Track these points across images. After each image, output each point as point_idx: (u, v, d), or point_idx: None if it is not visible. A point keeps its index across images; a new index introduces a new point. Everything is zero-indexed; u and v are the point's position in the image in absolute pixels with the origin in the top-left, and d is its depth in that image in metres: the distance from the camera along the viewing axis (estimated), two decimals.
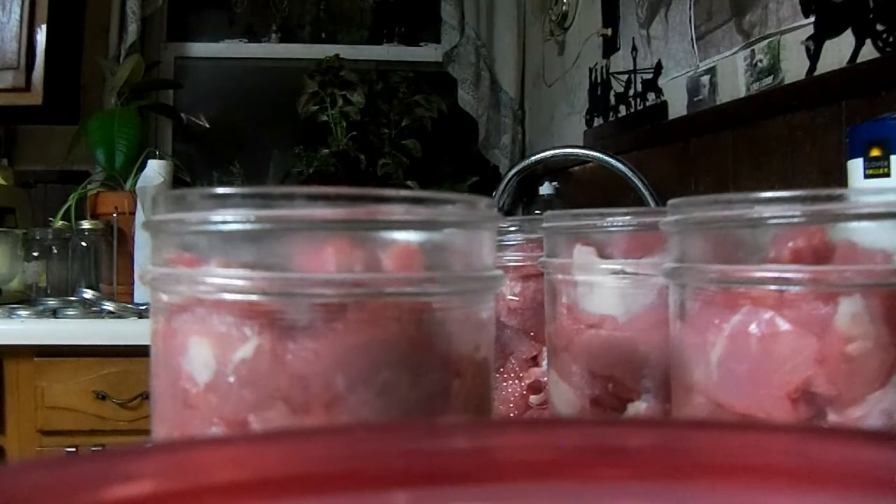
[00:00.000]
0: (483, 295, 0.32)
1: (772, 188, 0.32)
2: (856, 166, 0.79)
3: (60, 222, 1.98)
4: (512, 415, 0.58)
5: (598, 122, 2.09)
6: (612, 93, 1.99)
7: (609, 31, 1.99)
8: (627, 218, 0.46)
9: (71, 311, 1.70)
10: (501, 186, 1.45)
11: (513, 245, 0.58)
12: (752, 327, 0.32)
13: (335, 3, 2.75)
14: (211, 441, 0.20)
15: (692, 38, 1.59)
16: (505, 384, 0.58)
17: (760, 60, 1.37)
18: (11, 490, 0.15)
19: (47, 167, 2.42)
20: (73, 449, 1.58)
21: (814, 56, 1.23)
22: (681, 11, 1.64)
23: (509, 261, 0.58)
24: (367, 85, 2.54)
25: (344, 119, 2.47)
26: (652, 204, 1.29)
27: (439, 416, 0.29)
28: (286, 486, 0.16)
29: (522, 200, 2.37)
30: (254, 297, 0.27)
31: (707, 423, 0.25)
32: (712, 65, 1.52)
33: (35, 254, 1.94)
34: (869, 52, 1.12)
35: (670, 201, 0.36)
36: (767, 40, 1.35)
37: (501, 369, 0.58)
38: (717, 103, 1.50)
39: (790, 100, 1.28)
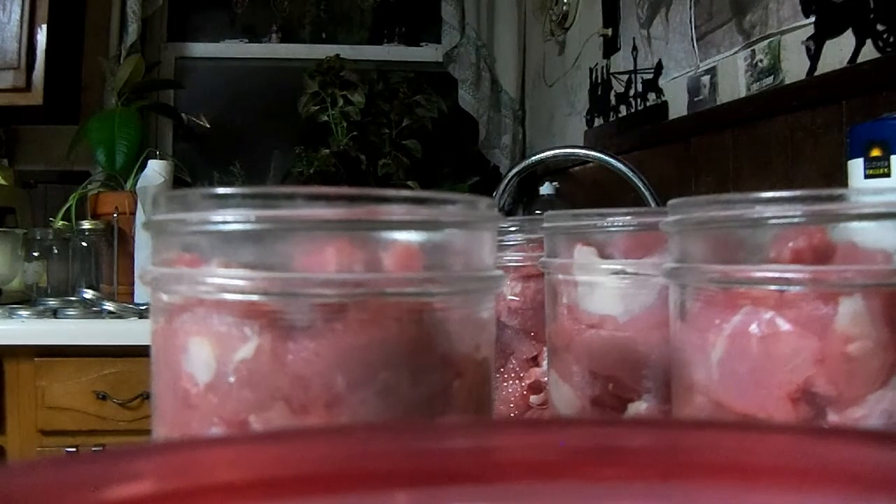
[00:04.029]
0: (483, 295, 0.32)
1: (772, 188, 0.32)
2: (856, 166, 0.79)
3: (61, 222, 1.98)
4: (512, 415, 0.58)
5: (598, 122, 2.09)
6: (612, 93, 1.99)
7: (609, 31, 1.99)
8: (628, 218, 0.46)
9: (71, 311, 1.70)
10: (502, 186, 1.45)
11: (513, 245, 0.58)
12: (753, 327, 0.32)
13: (335, 3, 2.75)
14: (211, 441, 0.20)
15: (692, 38, 1.59)
16: (505, 384, 0.58)
17: (761, 60, 1.37)
18: (11, 490, 0.15)
19: (48, 167, 2.42)
20: (74, 449, 1.58)
21: (814, 56, 1.23)
22: (681, 11, 1.64)
23: (510, 261, 0.58)
24: (368, 85, 2.54)
25: (344, 119, 2.47)
26: (652, 204, 1.29)
27: (440, 416, 0.29)
28: (286, 486, 0.16)
29: (523, 200, 2.37)
30: (254, 298, 0.27)
31: (707, 423, 0.25)
32: (713, 65, 1.52)
33: (35, 254, 1.94)
34: (869, 52, 1.12)
35: (670, 201, 0.36)
36: (768, 40, 1.35)
37: (502, 369, 0.58)
38: (718, 103, 1.50)
39: (790, 100, 1.27)
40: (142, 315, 1.66)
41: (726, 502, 0.16)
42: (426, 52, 2.75)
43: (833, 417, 0.31)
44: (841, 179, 0.86)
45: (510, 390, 0.58)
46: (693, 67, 1.59)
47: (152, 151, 2.11)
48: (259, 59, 2.71)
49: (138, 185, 1.86)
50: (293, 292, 0.27)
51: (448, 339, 0.30)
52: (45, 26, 2.14)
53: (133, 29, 2.41)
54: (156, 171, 1.85)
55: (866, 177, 0.78)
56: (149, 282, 0.30)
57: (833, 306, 0.31)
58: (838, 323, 0.31)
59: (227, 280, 0.27)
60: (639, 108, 1.85)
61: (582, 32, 2.17)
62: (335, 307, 0.27)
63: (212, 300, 0.28)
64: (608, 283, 0.46)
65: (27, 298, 1.90)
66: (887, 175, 0.76)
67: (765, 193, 0.32)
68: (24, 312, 1.68)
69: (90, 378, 1.62)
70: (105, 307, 1.70)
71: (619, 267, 0.45)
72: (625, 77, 1.91)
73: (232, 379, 0.27)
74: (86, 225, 1.94)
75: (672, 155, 1.65)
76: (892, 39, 1.08)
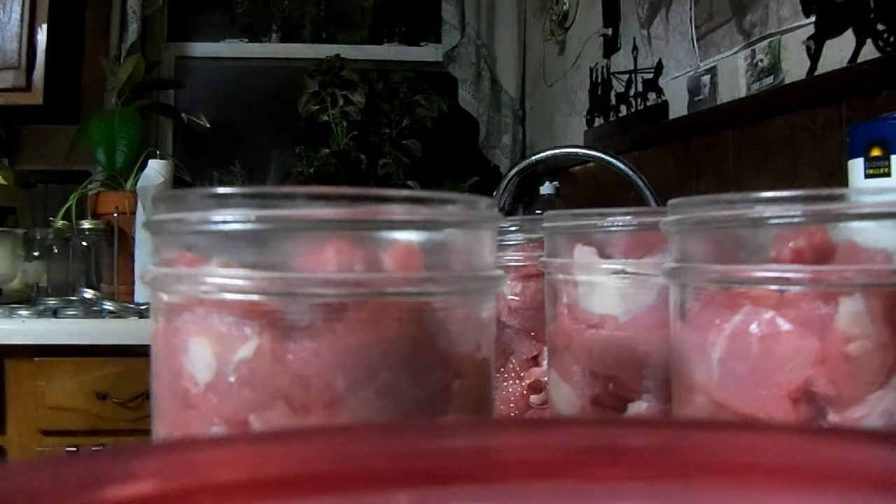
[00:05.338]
0: (484, 295, 0.32)
1: (772, 188, 0.32)
2: (856, 166, 0.79)
3: (61, 222, 1.98)
4: (512, 415, 0.58)
5: (598, 121, 2.09)
6: (612, 92, 1.99)
7: (610, 31, 1.99)
8: (628, 218, 0.46)
9: (71, 311, 1.70)
10: (502, 186, 1.45)
11: (513, 245, 0.58)
12: (753, 327, 0.32)
13: (336, 3, 2.75)
14: (211, 441, 0.20)
15: (693, 38, 1.59)
16: (505, 384, 0.58)
17: (761, 60, 1.37)
18: (11, 490, 0.15)
19: (48, 167, 2.42)
20: (74, 449, 1.58)
21: (814, 56, 1.23)
22: (681, 11, 1.64)
23: (510, 261, 0.58)
24: (368, 85, 2.53)
25: (344, 119, 2.47)
26: (652, 204, 1.29)
27: (440, 416, 0.29)
28: (286, 486, 0.16)
29: (523, 200, 2.37)
30: (254, 297, 0.27)
31: (707, 423, 0.25)
32: (713, 65, 1.52)
33: (35, 253, 1.94)
34: (869, 51, 1.12)
35: (670, 201, 0.36)
36: (768, 40, 1.35)
37: (502, 369, 0.58)
38: (718, 103, 1.50)
39: (791, 100, 1.27)
40: (142, 315, 1.66)
41: (726, 502, 0.16)
42: (426, 52, 2.75)
43: (833, 417, 0.31)
44: (841, 179, 0.86)
45: (510, 390, 0.58)
46: (693, 67, 1.59)
47: (152, 151, 2.11)
48: (259, 58, 2.71)
49: (138, 184, 1.86)
50: (293, 292, 0.27)
51: (448, 339, 0.30)
52: (45, 26, 2.14)
53: (133, 29, 2.41)
54: (156, 170, 1.85)
55: (866, 177, 0.78)
56: (149, 281, 0.30)
57: (833, 306, 0.31)
58: (838, 323, 0.31)
59: (227, 280, 0.27)
60: (639, 107, 1.85)
61: (582, 32, 2.17)
62: (335, 307, 0.27)
63: (212, 300, 0.28)
64: (608, 282, 0.46)
65: (27, 298, 1.90)
66: (887, 175, 0.76)
67: (765, 193, 0.32)
68: (24, 312, 1.68)
69: (90, 378, 1.62)
70: (105, 307, 1.70)
71: (619, 267, 0.45)
72: (625, 77, 1.91)
73: (232, 379, 0.27)
74: (86, 225, 1.94)
75: (672, 155, 1.65)
76: (892, 39, 1.08)
